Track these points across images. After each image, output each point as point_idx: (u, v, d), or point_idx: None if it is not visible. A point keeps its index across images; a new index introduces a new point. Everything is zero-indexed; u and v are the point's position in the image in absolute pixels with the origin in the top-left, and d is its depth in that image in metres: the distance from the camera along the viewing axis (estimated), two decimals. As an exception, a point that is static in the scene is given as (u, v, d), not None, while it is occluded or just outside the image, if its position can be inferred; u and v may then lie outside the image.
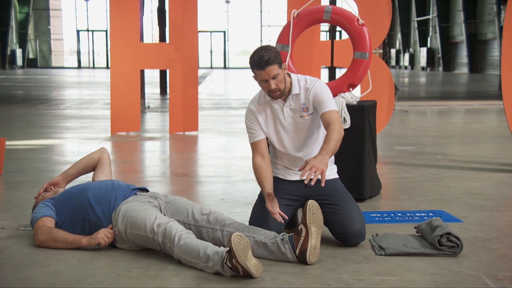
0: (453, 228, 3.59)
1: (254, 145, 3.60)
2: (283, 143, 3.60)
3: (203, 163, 6.64)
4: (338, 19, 4.73)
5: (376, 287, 2.90)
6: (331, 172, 3.69)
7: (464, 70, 36.17)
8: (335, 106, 3.55)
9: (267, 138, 3.65)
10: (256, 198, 3.66)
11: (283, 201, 3.53)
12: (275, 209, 3.32)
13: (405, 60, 44.05)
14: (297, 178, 3.60)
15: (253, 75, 3.51)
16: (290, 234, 3.24)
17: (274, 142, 3.63)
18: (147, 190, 3.69)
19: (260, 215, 3.47)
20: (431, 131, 9.20)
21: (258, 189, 3.71)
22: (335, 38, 5.96)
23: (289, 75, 3.59)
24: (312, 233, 3.16)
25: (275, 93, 3.48)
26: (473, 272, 3.07)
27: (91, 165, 3.99)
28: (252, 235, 3.25)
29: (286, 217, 3.37)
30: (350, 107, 4.58)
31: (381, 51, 32.79)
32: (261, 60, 3.39)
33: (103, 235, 3.33)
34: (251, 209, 3.61)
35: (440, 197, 4.77)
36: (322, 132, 3.63)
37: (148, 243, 3.27)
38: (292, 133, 3.59)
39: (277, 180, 3.61)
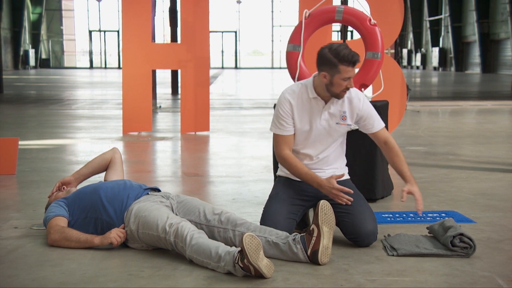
0: (466, 229, 3.57)
1: (283, 138, 3.54)
2: (308, 142, 3.56)
3: (214, 163, 6.65)
4: (350, 19, 4.72)
5: (388, 287, 2.89)
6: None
7: (477, 70, 35.97)
8: (383, 122, 3.62)
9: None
10: (267, 198, 3.65)
11: (295, 201, 3.53)
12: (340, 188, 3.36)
13: (417, 60, 43.87)
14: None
15: (325, 73, 3.39)
16: (302, 234, 3.23)
17: (299, 139, 3.57)
18: (158, 190, 3.70)
19: (271, 215, 3.47)
20: (443, 131, 9.15)
21: (269, 189, 3.71)
22: (346, 38, 5.95)
23: None
24: (324, 233, 3.16)
25: (345, 92, 3.43)
26: (486, 273, 3.05)
27: (103, 165, 4.00)
28: (263, 235, 3.25)
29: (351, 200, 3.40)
30: (362, 107, 4.56)
31: (392, 51, 32.65)
32: (355, 57, 3.34)
33: (115, 234, 3.34)
34: (262, 209, 3.60)
35: (453, 198, 4.75)
36: (343, 141, 3.68)
37: (160, 242, 3.27)
38: (322, 135, 3.55)
39: (287, 180, 3.61)
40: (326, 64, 3.38)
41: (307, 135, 3.56)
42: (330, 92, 3.45)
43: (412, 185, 3.49)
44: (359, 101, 3.55)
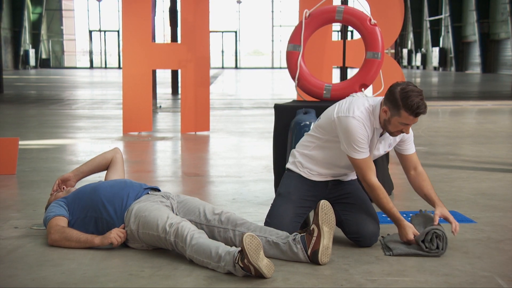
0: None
1: (366, 162, 3.42)
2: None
3: (215, 163, 6.65)
4: (350, 19, 4.72)
5: (388, 287, 2.89)
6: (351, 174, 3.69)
7: (477, 70, 35.96)
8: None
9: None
10: (277, 193, 3.63)
11: (305, 203, 3.52)
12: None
13: (417, 60, 43.86)
14: (319, 179, 3.57)
15: (386, 109, 3.33)
16: (302, 234, 3.23)
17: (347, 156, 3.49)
18: (159, 190, 3.70)
19: (278, 216, 3.45)
20: (443, 131, 9.15)
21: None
22: (347, 38, 5.95)
23: None
24: (324, 233, 3.16)
25: (399, 133, 3.41)
26: (486, 273, 3.05)
27: (103, 164, 4.00)
28: (264, 235, 3.25)
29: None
30: (362, 107, 4.56)
31: (393, 51, 32.69)
32: (422, 110, 3.26)
33: (115, 234, 3.34)
34: (264, 208, 3.60)
35: (453, 198, 4.75)
36: None
37: (160, 242, 3.27)
38: None
39: (301, 179, 3.58)
40: (391, 102, 3.32)
41: None
42: (385, 127, 3.42)
43: (443, 209, 3.45)
44: None
